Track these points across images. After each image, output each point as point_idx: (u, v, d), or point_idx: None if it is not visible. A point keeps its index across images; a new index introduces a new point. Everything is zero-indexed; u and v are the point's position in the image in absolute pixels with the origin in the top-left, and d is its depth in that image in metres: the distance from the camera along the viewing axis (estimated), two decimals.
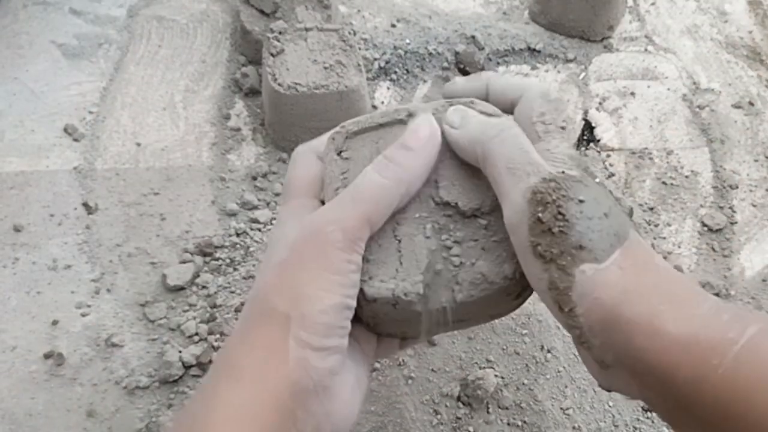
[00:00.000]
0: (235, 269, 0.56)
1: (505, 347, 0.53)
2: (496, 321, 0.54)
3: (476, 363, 0.52)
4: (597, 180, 0.32)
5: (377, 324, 0.34)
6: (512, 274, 0.32)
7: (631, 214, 0.64)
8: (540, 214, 0.29)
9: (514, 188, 0.30)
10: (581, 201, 0.29)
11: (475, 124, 0.33)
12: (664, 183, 0.67)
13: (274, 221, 0.59)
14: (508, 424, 0.49)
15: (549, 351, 0.53)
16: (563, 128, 0.34)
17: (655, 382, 0.27)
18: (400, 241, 0.33)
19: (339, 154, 0.34)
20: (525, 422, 0.49)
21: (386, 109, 0.36)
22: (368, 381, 0.34)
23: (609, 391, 0.31)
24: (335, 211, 0.31)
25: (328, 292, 0.30)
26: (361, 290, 0.32)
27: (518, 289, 0.34)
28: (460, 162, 0.34)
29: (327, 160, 0.35)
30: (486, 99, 0.37)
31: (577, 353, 0.53)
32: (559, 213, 0.29)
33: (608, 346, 0.28)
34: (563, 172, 0.30)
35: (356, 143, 0.35)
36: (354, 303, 0.31)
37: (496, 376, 0.51)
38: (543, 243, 0.29)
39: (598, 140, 0.70)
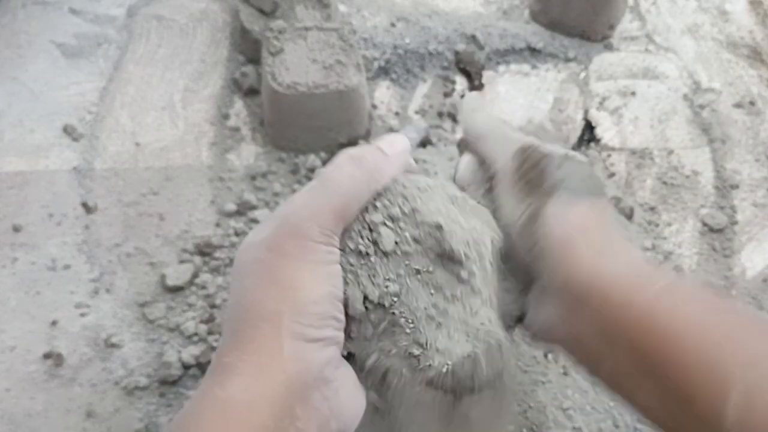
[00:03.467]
0: None
1: None
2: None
3: None
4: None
5: None
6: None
7: (631, 214, 0.63)
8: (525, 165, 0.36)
9: (507, 149, 0.37)
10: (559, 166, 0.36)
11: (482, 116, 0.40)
12: (664, 183, 0.67)
13: None
14: (509, 424, 0.49)
15: (550, 351, 0.53)
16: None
17: (588, 308, 0.31)
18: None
19: None
20: (525, 422, 0.49)
21: None
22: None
23: (533, 338, 0.37)
24: (309, 206, 0.30)
25: (317, 283, 0.29)
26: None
27: None
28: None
29: None
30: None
31: None
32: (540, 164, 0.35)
33: (556, 269, 0.33)
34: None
35: None
36: (341, 293, 0.31)
37: None
38: (528, 175, 0.35)
39: (599, 140, 0.70)
